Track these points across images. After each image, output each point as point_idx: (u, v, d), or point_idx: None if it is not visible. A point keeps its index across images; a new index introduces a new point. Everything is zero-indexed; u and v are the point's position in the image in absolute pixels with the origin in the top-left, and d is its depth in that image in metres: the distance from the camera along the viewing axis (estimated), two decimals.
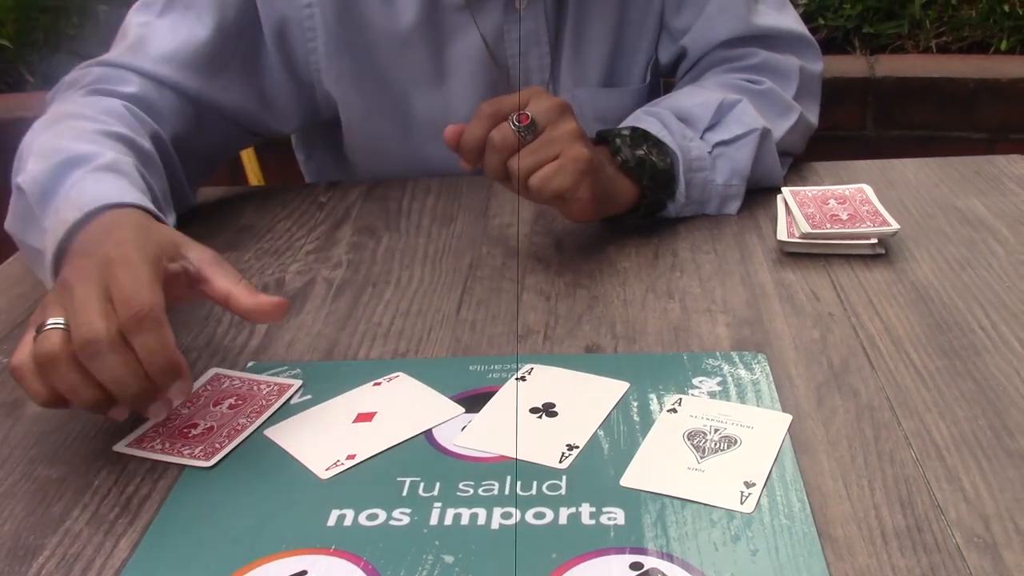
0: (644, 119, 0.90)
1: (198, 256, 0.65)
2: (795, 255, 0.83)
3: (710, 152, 0.90)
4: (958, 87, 1.56)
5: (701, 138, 0.91)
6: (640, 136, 0.87)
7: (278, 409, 0.65)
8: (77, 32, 1.81)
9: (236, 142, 1.08)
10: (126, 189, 0.71)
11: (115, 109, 0.86)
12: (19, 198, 0.76)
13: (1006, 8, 1.67)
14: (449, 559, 0.51)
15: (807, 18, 1.73)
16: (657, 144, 0.87)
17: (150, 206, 0.70)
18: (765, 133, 0.92)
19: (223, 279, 0.64)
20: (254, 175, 1.48)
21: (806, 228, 0.82)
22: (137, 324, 0.56)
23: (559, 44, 1.03)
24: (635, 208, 0.88)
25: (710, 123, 0.92)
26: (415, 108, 1.02)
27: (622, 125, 0.90)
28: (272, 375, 0.69)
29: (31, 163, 0.76)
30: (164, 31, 0.93)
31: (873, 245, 0.82)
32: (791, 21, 1.03)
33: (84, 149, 0.75)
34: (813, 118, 1.03)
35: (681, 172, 0.88)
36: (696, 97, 0.94)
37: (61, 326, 0.57)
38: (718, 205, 0.92)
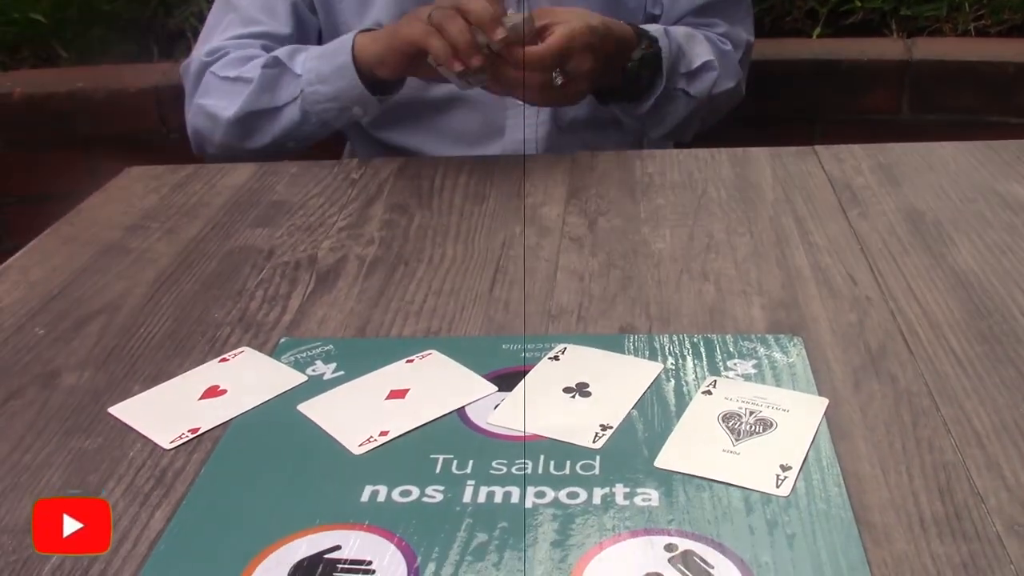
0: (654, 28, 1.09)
1: None
2: (833, 238, 0.81)
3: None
4: (998, 71, 1.53)
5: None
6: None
7: None
8: (111, 7, 1.81)
9: None
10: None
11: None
12: (260, 78, 1.07)
13: None
14: (482, 537, 0.51)
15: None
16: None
17: None
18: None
19: None
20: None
21: None
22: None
23: None
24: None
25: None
26: None
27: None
28: (304, 350, 0.69)
29: (242, 69, 1.10)
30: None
31: None
32: None
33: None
34: (743, 88, 1.21)
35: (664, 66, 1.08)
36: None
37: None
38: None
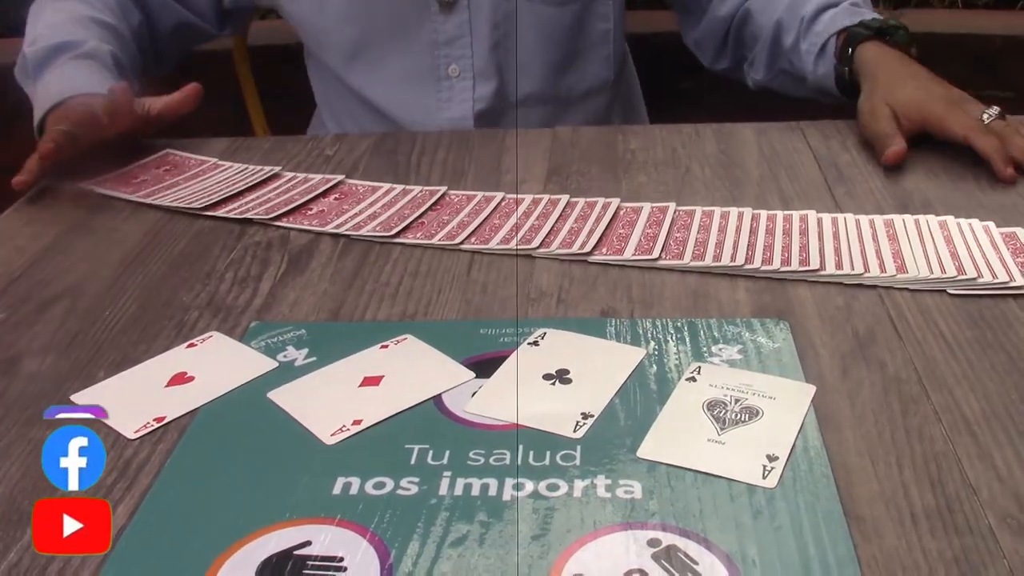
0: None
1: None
2: None
3: None
4: (985, 44, 1.51)
5: None
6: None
7: None
8: None
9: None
10: (97, 80, 0.96)
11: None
12: (22, 62, 1.03)
13: None
14: (459, 531, 0.49)
15: None
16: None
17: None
18: None
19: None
20: (260, 127, 1.45)
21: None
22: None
23: None
24: None
25: None
26: None
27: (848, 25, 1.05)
28: (275, 335, 0.67)
29: (31, 40, 1.03)
30: None
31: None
32: None
33: (73, 36, 1.01)
34: None
35: None
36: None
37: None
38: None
